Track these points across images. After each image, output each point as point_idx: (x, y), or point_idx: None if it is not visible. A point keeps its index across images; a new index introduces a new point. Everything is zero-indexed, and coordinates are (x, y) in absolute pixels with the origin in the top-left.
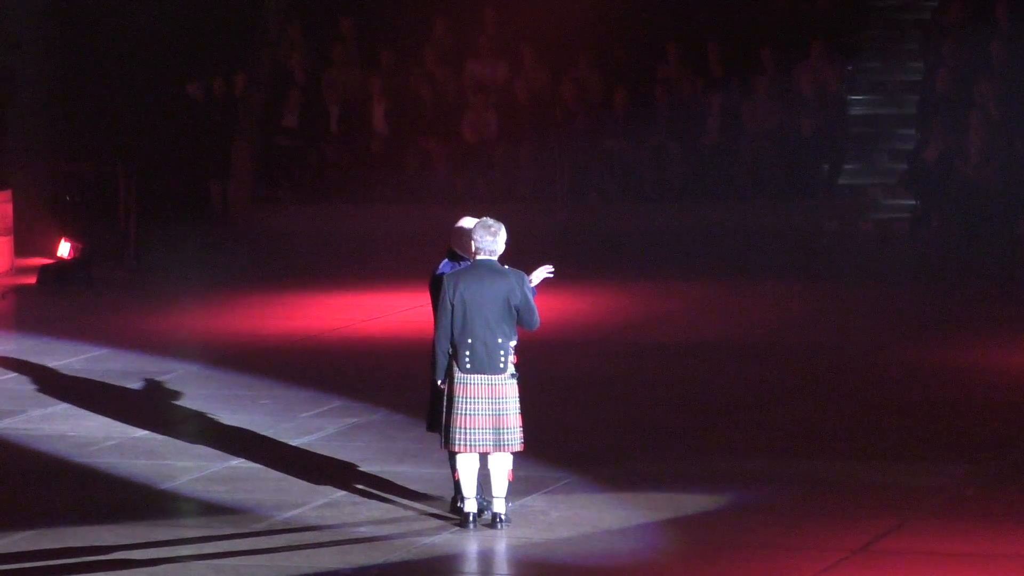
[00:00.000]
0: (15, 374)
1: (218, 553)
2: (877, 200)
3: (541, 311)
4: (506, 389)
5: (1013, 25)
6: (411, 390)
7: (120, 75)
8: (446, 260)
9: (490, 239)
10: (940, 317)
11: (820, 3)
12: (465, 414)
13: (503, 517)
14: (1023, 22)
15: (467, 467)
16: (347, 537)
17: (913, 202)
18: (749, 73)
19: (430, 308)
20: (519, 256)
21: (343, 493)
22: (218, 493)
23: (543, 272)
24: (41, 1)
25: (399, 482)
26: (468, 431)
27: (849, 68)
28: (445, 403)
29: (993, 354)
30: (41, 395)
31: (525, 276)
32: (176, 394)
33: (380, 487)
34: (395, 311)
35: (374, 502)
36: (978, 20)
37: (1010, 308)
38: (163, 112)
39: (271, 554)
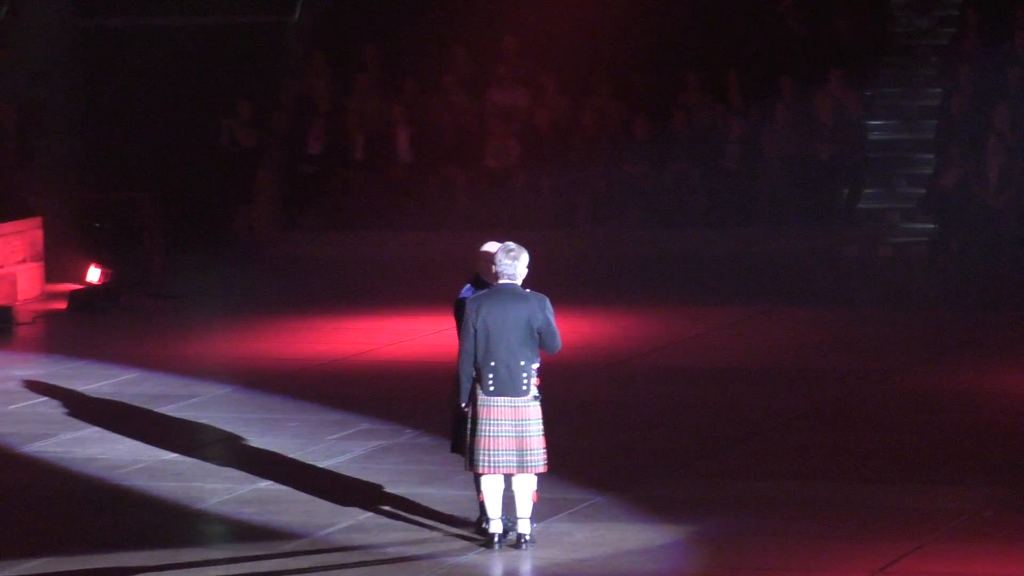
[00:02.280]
0: (46, 398)
1: (246, 574)
2: (896, 225)
3: (564, 335)
4: (529, 411)
5: None
6: (435, 413)
7: (145, 104)
8: (469, 285)
9: (511, 264)
10: (959, 342)
11: (838, 30)
12: (489, 436)
13: (528, 538)
14: None
15: (492, 488)
16: (374, 558)
17: (932, 227)
18: (768, 100)
19: (454, 332)
20: (541, 281)
21: (370, 515)
22: (246, 515)
23: None
24: (67, 32)
25: (425, 503)
26: (492, 452)
27: (867, 94)
28: (469, 425)
29: (1012, 379)
30: (71, 419)
31: (547, 300)
32: (204, 417)
33: (406, 508)
34: (419, 335)
35: (400, 523)
36: (995, 47)
37: None
38: (189, 140)
39: (299, 575)
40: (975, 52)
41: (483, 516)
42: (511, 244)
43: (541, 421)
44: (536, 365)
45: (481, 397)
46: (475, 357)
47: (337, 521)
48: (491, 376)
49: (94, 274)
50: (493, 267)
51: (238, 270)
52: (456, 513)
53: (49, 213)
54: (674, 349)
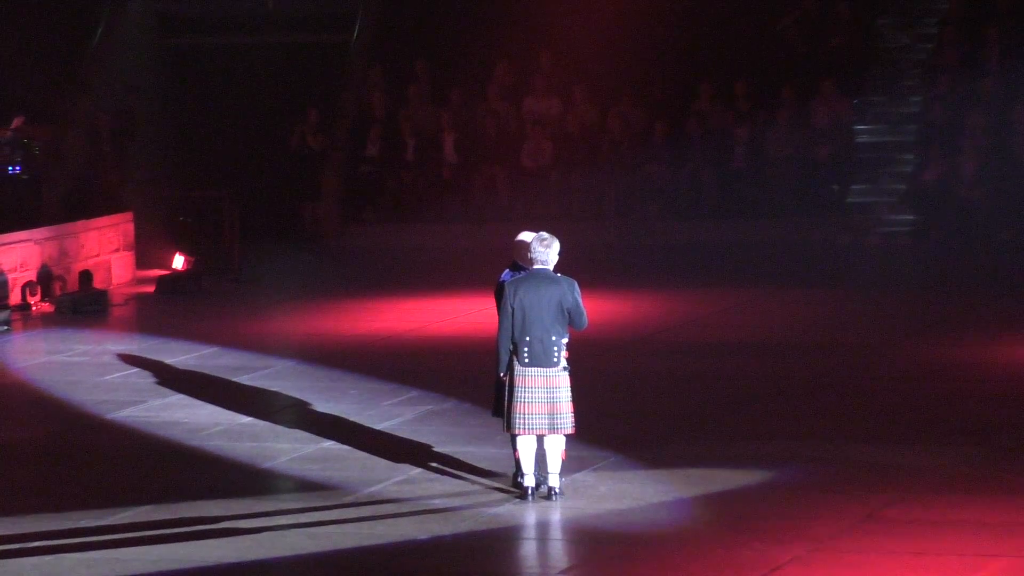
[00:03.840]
0: (137, 369)
1: (312, 523)
2: (882, 217)
3: (591, 314)
4: (559, 380)
5: (1000, 65)
6: (477, 382)
7: (223, 112)
8: (508, 270)
9: (544, 251)
10: (938, 319)
11: (832, 46)
12: (524, 401)
13: (557, 490)
14: (1009, 62)
15: (526, 447)
16: (423, 508)
17: (913, 218)
18: (771, 107)
19: (494, 311)
20: (571, 266)
21: (419, 470)
22: (312, 471)
23: None
24: (155, 50)
25: (468, 461)
26: (527, 416)
27: (857, 102)
28: (507, 392)
29: (985, 351)
30: (159, 387)
31: (576, 283)
32: (275, 386)
33: (451, 465)
34: (463, 314)
35: (446, 478)
36: (969, 60)
37: (999, 310)
38: (262, 144)
39: (358, 523)
40: (951, 64)
41: (518, 471)
42: (544, 234)
43: (570, 389)
44: (566, 340)
45: (517, 368)
46: (512, 333)
47: (391, 476)
48: (526, 350)
49: (179, 262)
50: (529, 254)
51: (305, 258)
52: (495, 469)
53: (140, 208)
54: (688, 326)
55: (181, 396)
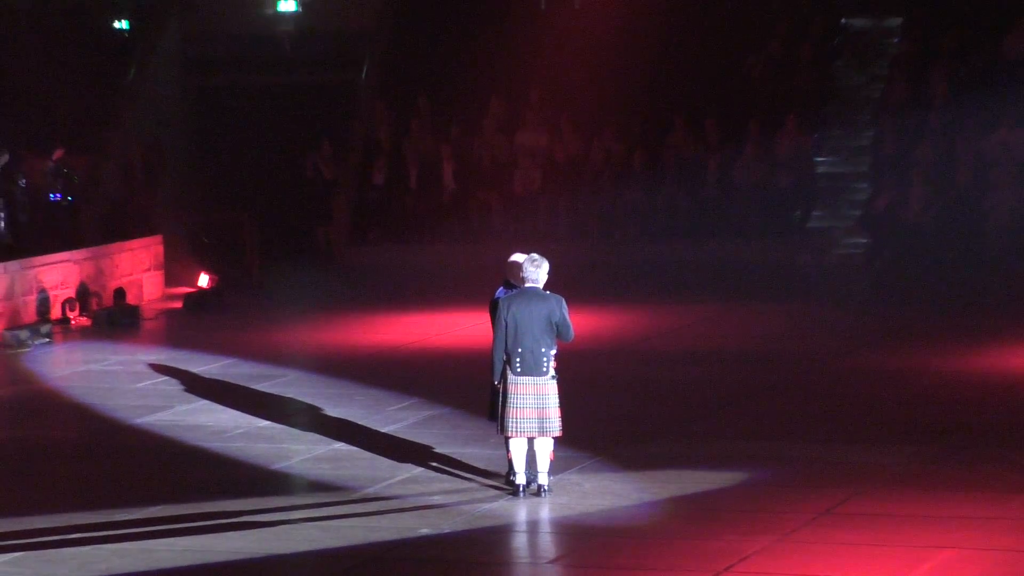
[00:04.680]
0: (166, 377)
1: (323, 516)
2: (839, 239)
3: (577, 327)
4: (548, 387)
5: (945, 102)
6: (473, 389)
7: (244, 144)
8: (501, 287)
9: (535, 271)
10: (889, 331)
11: (794, 85)
12: (516, 407)
13: (546, 488)
14: (953, 99)
15: (518, 449)
16: (424, 504)
17: (867, 240)
18: (739, 140)
19: (489, 325)
20: (559, 284)
21: (421, 469)
22: (323, 470)
23: None
24: (183, 89)
25: (465, 461)
26: (518, 420)
27: (816, 135)
28: (501, 399)
29: (931, 360)
30: (186, 394)
31: (563, 300)
32: (290, 392)
33: (450, 465)
34: (460, 327)
35: (445, 476)
36: (917, 98)
37: (944, 324)
38: (279, 172)
39: (364, 517)
40: (901, 102)
41: (511, 471)
42: (535, 256)
43: (557, 395)
44: (554, 351)
45: (510, 376)
46: (506, 345)
47: (395, 474)
48: (518, 360)
49: (204, 280)
50: (521, 273)
51: (318, 275)
52: (490, 468)
53: (168, 232)
54: (664, 337)
55: (205, 402)
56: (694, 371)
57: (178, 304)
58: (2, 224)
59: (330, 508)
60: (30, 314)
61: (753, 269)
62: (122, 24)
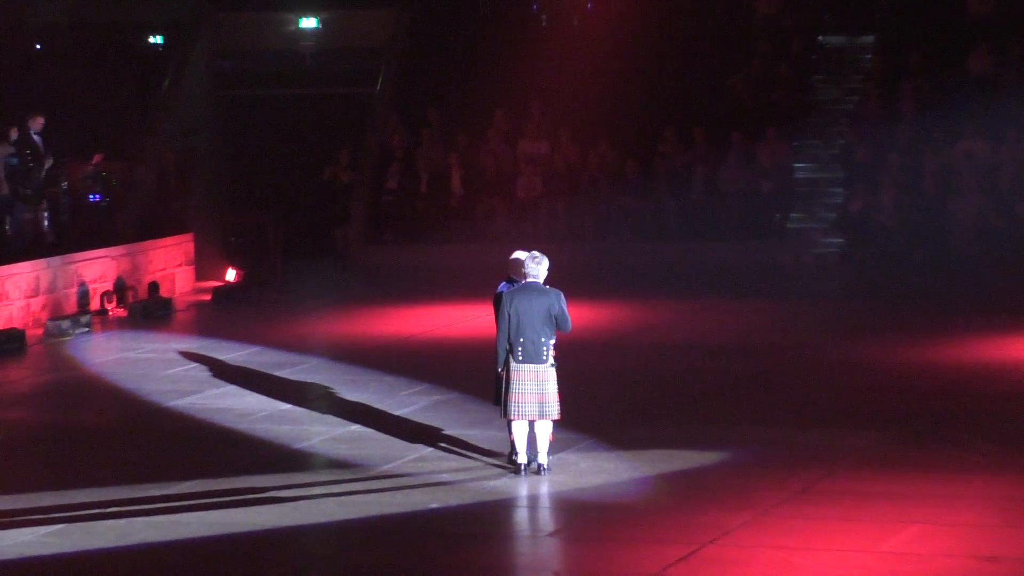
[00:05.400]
0: (196, 364)
1: (341, 492)
2: (815, 240)
3: (574, 320)
4: (547, 374)
5: (913, 114)
6: (479, 376)
7: (268, 151)
8: (504, 282)
9: (536, 267)
10: (861, 324)
11: (774, 99)
12: (518, 392)
13: (546, 467)
14: (921, 112)
15: (520, 431)
16: (433, 481)
17: (841, 241)
18: (723, 149)
19: (493, 317)
20: (558, 280)
21: (430, 449)
22: (341, 449)
23: None
24: (212, 100)
25: (471, 442)
26: (520, 405)
27: (795, 145)
28: (504, 385)
29: (900, 351)
30: (214, 379)
31: (562, 294)
32: (310, 378)
33: (457, 445)
34: (467, 319)
35: (453, 456)
36: (888, 111)
37: (912, 317)
38: (301, 177)
39: (379, 493)
40: (873, 114)
41: (513, 451)
42: (536, 253)
43: (556, 381)
44: (553, 341)
45: (513, 364)
46: (508, 335)
47: (407, 454)
48: (520, 349)
49: (231, 275)
50: (523, 269)
51: (336, 272)
52: (494, 449)
53: (198, 230)
54: (654, 330)
55: (232, 387)
56: (680, 362)
57: (207, 297)
58: (46, 223)
59: (347, 484)
60: (71, 306)
61: (737, 268)
62: (156, 40)
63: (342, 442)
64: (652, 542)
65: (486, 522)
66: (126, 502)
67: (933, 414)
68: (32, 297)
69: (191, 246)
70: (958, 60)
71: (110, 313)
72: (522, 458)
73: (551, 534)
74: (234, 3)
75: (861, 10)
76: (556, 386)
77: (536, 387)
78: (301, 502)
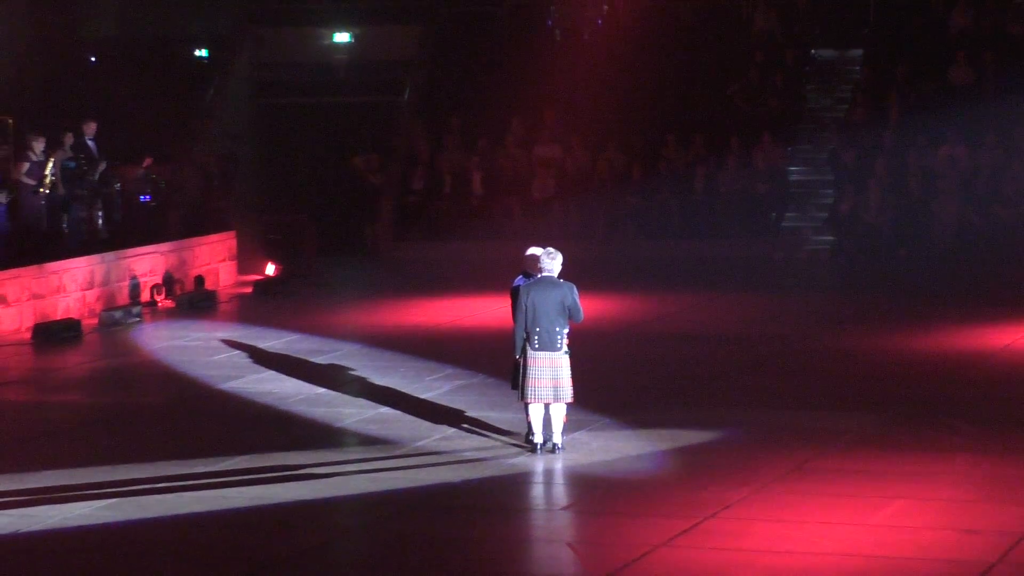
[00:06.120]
0: (238, 351)
1: (372, 469)
2: (808, 237)
3: (585, 311)
4: (562, 360)
5: (898, 121)
6: (498, 362)
7: (304, 155)
8: (520, 276)
9: (551, 262)
10: (850, 315)
11: (770, 107)
12: (534, 377)
13: (560, 446)
14: (905, 120)
15: (536, 413)
16: (457, 459)
17: (831, 239)
18: (722, 153)
19: (509, 308)
20: (570, 274)
21: (454, 430)
22: (372, 430)
23: None
24: (254, 108)
25: (491, 423)
26: (536, 388)
27: (789, 149)
28: (521, 370)
29: (887, 341)
30: (255, 365)
31: (574, 286)
32: (343, 364)
33: (478, 426)
34: (487, 310)
35: (474, 436)
36: (875, 118)
37: (898, 309)
38: (334, 179)
39: (406, 470)
40: (861, 121)
41: (530, 431)
42: (551, 249)
43: (569, 367)
44: (567, 330)
45: (529, 352)
46: (525, 324)
47: (432, 434)
48: (536, 337)
49: (270, 269)
50: (538, 264)
51: (365, 267)
52: (512, 429)
53: (240, 228)
54: (659, 320)
55: (271, 372)
56: (684, 349)
57: (248, 289)
58: (100, 221)
59: (377, 462)
60: (123, 298)
61: (734, 264)
62: (202, 53)
63: (372, 423)
64: (658, 515)
65: (505, 496)
66: (175, 478)
67: (917, 398)
68: (88, 289)
69: (233, 243)
70: (940, 72)
71: (159, 304)
72: (538, 438)
73: (565, 508)
74: (274, 19)
75: (850, 25)
76: (569, 371)
77: (551, 372)
78: (335, 478)
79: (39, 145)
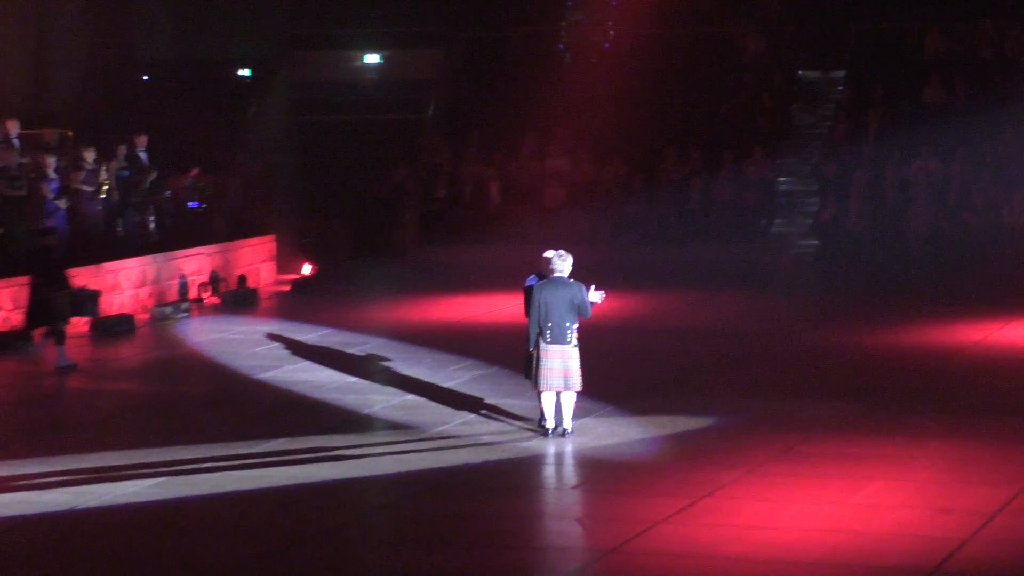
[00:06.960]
0: (277, 344)
1: (398, 451)
2: (794, 243)
3: (593, 308)
4: (571, 353)
5: (876, 137)
6: (513, 354)
7: (338, 166)
8: (533, 276)
9: (562, 264)
10: (832, 313)
11: (759, 124)
12: (547, 368)
13: (569, 431)
14: (882, 136)
15: (548, 400)
16: (476, 442)
17: (815, 244)
18: (716, 166)
19: (522, 305)
20: (579, 275)
21: (474, 416)
22: (398, 415)
23: (598, 296)
24: (293, 123)
25: (507, 409)
26: (548, 378)
27: (777, 162)
28: (535, 361)
29: (868, 337)
30: (292, 356)
31: (583, 285)
32: (373, 356)
33: (496, 412)
34: (503, 307)
35: (492, 421)
36: (855, 134)
37: (876, 308)
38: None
39: (429, 452)
40: (843, 137)
41: (542, 417)
42: (563, 252)
43: (579, 358)
44: (576, 325)
45: (542, 344)
46: (538, 320)
47: (453, 419)
48: (549, 331)
49: (307, 269)
50: (551, 265)
51: (393, 268)
52: (526, 415)
53: (280, 232)
54: (659, 317)
55: (307, 363)
56: (682, 343)
57: (287, 288)
58: (152, 226)
59: (403, 445)
60: (173, 295)
61: (726, 267)
62: (245, 73)
63: (399, 409)
64: (659, 494)
65: (519, 476)
66: (219, 459)
67: (892, 388)
68: (140, 287)
69: (273, 245)
70: (915, 92)
71: (205, 301)
72: (550, 423)
73: (574, 487)
74: (310, 43)
75: (833, 49)
76: (579, 362)
77: (562, 363)
78: (365, 459)
79: (90, 155)
